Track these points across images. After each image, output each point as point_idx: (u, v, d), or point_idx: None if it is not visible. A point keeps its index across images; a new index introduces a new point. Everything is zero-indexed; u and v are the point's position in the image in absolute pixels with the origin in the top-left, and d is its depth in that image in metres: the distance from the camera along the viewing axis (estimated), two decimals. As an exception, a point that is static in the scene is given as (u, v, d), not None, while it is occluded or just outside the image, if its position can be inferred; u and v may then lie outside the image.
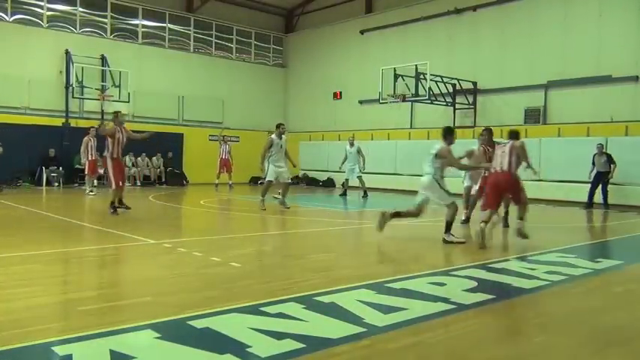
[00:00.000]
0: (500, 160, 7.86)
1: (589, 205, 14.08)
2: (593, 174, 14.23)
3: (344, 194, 16.85)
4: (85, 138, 15.68)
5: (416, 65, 17.13)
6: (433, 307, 4.32)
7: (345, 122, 22.84)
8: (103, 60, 20.37)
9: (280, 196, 12.19)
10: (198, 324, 3.71)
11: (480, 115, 18.63)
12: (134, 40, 21.69)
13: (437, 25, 19.91)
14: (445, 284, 5.15)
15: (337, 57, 23.49)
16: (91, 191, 15.44)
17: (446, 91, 18.10)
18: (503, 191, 7.96)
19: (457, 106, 18.71)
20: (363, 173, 16.58)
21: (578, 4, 16.57)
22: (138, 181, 20.43)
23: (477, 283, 5.13)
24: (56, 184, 18.32)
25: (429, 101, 17.56)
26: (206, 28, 23.71)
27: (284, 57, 26.29)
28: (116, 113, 10.67)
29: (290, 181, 12.38)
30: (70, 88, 19.42)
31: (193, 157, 22.04)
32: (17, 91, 18.63)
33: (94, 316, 4.00)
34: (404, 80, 17.37)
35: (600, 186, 14.12)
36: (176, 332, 3.60)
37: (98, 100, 19.80)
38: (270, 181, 11.81)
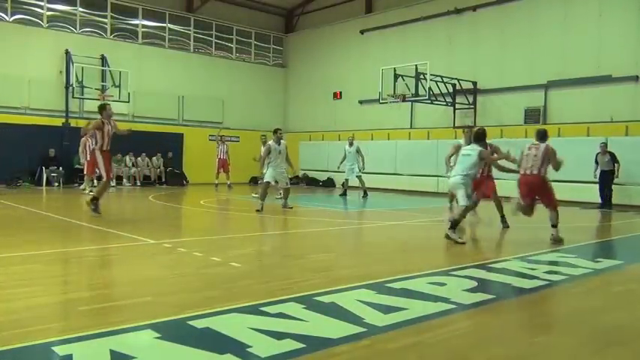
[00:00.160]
0: (532, 162, 7.91)
1: (603, 205, 14.05)
2: (597, 173, 14.20)
3: (344, 194, 16.85)
4: (83, 138, 15.69)
5: (416, 65, 17.13)
6: (433, 307, 4.32)
7: (345, 122, 22.84)
8: (103, 60, 20.37)
9: (282, 198, 12.34)
10: (199, 324, 3.71)
11: (480, 115, 18.63)
12: (134, 40, 21.70)
13: (437, 25, 19.92)
14: (445, 284, 5.15)
15: (337, 57, 23.49)
16: (90, 191, 15.41)
17: (446, 91, 18.10)
18: (534, 193, 8.03)
19: (457, 106, 18.71)
20: (362, 173, 16.59)
21: (578, 4, 16.57)
22: (138, 181, 20.43)
23: (477, 283, 5.13)
24: (56, 184, 18.32)
25: (429, 101, 17.56)
26: (206, 28, 23.71)
27: (284, 57, 26.29)
28: (104, 105, 10.35)
29: (289, 185, 12.40)
30: (70, 88, 19.42)
31: (193, 157, 22.04)
32: (17, 91, 18.64)
33: (94, 316, 4.00)
34: (404, 80, 17.37)
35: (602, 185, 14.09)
36: (176, 332, 3.60)
37: (98, 100, 19.70)
38: (268, 183, 11.77)
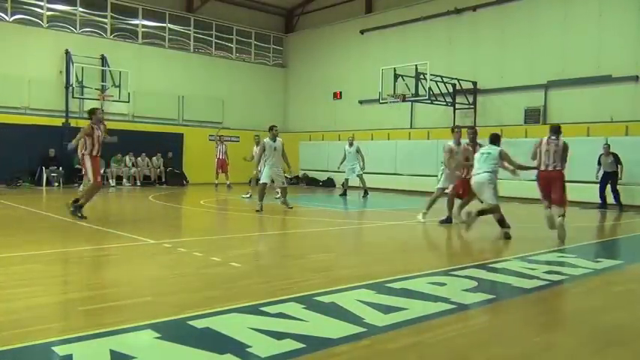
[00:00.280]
0: (553, 158, 8.27)
1: (602, 205, 14.02)
2: (600, 174, 14.16)
3: (344, 194, 16.85)
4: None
5: (416, 65, 17.13)
6: (433, 307, 4.32)
7: (345, 122, 22.84)
8: (103, 60, 20.37)
9: (281, 197, 12.33)
10: (199, 324, 3.71)
11: (480, 115, 18.63)
12: (134, 40, 21.70)
13: (437, 25, 19.91)
14: (445, 284, 5.16)
15: (337, 57, 23.49)
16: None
17: (446, 91, 18.10)
18: (551, 187, 8.27)
19: (457, 106, 18.70)
20: (363, 173, 16.61)
21: (578, 4, 16.57)
22: (138, 181, 20.44)
23: (477, 283, 5.13)
24: (56, 184, 18.32)
25: (429, 101, 17.56)
26: (206, 28, 23.71)
27: (284, 57, 26.29)
28: (94, 110, 10.01)
29: (286, 185, 12.24)
30: (70, 88, 19.42)
31: (193, 157, 22.03)
32: (17, 91, 18.64)
33: (94, 316, 4.00)
34: (404, 80, 17.37)
35: (610, 187, 14.03)
36: (176, 332, 3.60)
37: (98, 100, 19.79)
38: (265, 184, 11.70)
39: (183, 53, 22.94)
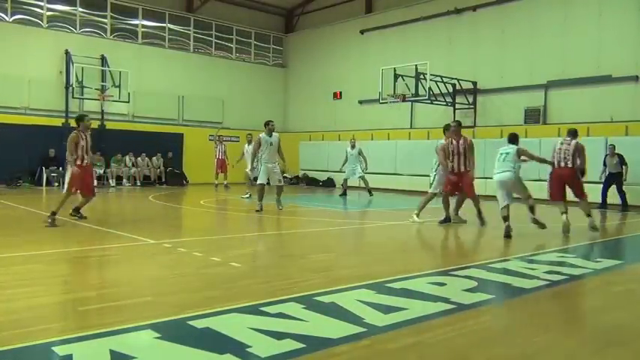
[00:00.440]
0: (564, 156, 8.98)
1: (602, 205, 14.01)
2: (604, 175, 14.15)
3: (344, 194, 16.85)
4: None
5: (416, 65, 17.12)
6: (433, 307, 4.32)
7: (345, 122, 22.85)
8: (103, 60, 20.37)
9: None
10: (198, 324, 3.71)
11: (480, 115, 18.64)
12: (134, 40, 21.69)
13: (437, 25, 19.91)
14: (445, 284, 5.16)
15: (337, 57, 23.50)
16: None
17: (446, 91, 18.10)
18: (565, 184, 9.02)
19: (457, 106, 18.70)
20: (365, 174, 16.64)
21: (578, 4, 16.57)
22: (138, 181, 20.45)
23: (477, 283, 5.13)
24: (56, 184, 18.31)
25: (429, 101, 17.56)
26: (206, 28, 23.71)
27: (284, 57, 26.29)
28: (82, 117, 9.55)
29: (282, 183, 11.81)
30: (70, 88, 19.41)
31: (193, 157, 22.03)
32: (17, 91, 18.63)
33: (94, 316, 4.01)
34: (404, 80, 17.36)
35: (615, 188, 14.00)
36: (176, 332, 3.60)
37: (98, 100, 19.81)
38: (263, 185, 11.50)
39: (183, 53, 22.94)
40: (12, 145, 17.84)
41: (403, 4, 21.01)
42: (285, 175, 21.52)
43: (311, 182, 23.23)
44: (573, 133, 9.47)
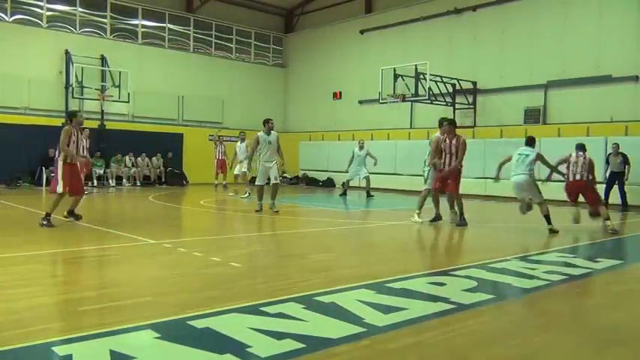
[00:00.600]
0: (580, 169, 9.72)
1: (604, 204, 13.99)
2: (607, 174, 14.15)
3: (344, 194, 16.84)
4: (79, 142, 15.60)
5: (416, 65, 17.13)
6: (433, 307, 4.32)
7: (345, 122, 22.85)
8: (103, 60, 20.38)
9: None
10: (198, 324, 3.71)
11: (480, 115, 18.64)
12: (134, 40, 21.70)
13: (437, 25, 19.92)
14: (445, 284, 5.15)
15: (337, 57, 23.50)
16: (85, 192, 15.45)
17: (446, 91, 18.10)
18: (578, 194, 9.87)
19: (457, 106, 18.71)
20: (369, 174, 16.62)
21: (578, 4, 16.58)
22: (138, 181, 20.45)
23: (476, 283, 5.13)
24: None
25: (429, 101, 17.56)
26: (206, 28, 23.72)
27: (284, 57, 26.30)
28: (75, 113, 9.40)
29: (278, 181, 11.53)
30: (70, 88, 19.43)
31: (193, 157, 22.04)
32: (17, 92, 18.64)
33: (94, 316, 4.00)
34: (404, 80, 17.37)
35: (617, 187, 14.01)
36: (176, 332, 3.60)
37: (98, 100, 19.82)
38: (262, 186, 11.41)
39: (183, 53, 22.95)
40: (12, 145, 17.85)
41: (403, 4, 21.02)
42: (285, 174, 21.62)
43: (311, 182, 23.24)
44: (583, 147, 10.05)
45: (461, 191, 10.16)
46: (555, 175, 10.13)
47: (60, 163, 8.87)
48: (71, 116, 9.21)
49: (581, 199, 10.13)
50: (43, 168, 18.37)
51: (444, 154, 9.85)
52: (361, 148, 16.73)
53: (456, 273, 5.63)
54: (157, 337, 3.46)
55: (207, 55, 23.79)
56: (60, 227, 8.48)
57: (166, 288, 4.94)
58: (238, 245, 7.73)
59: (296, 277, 5.46)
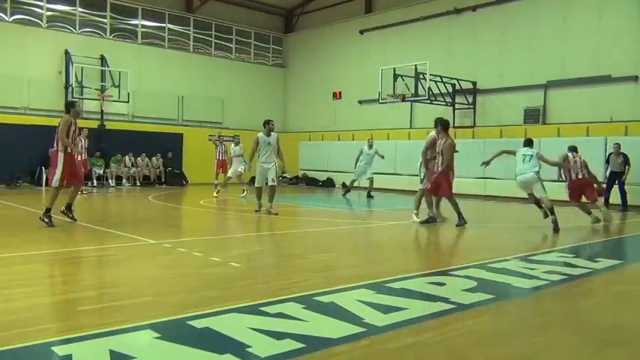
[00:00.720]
0: (580, 169, 10.19)
1: (606, 204, 13.98)
2: (607, 173, 14.15)
3: (346, 193, 16.73)
4: (77, 138, 15.62)
5: (415, 65, 17.13)
6: (433, 307, 4.32)
7: (345, 122, 22.85)
8: (103, 60, 20.38)
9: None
10: (198, 324, 3.71)
11: (480, 115, 18.64)
12: (134, 40, 21.70)
13: (436, 25, 19.92)
14: (445, 284, 5.15)
15: (337, 57, 23.50)
16: (82, 192, 15.46)
17: (445, 91, 18.10)
18: (581, 192, 10.34)
19: (457, 106, 18.71)
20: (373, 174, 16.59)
21: (578, 4, 16.57)
22: (137, 181, 20.45)
23: (476, 283, 5.13)
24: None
25: (429, 101, 17.56)
26: (205, 28, 23.72)
27: (283, 57, 26.30)
28: (74, 102, 9.33)
29: (275, 183, 11.35)
30: (70, 88, 19.41)
31: (193, 157, 22.04)
32: (17, 91, 18.64)
33: (94, 316, 4.00)
34: (403, 80, 17.37)
35: (617, 187, 14.02)
36: (176, 332, 3.60)
37: (98, 100, 19.81)
38: (260, 188, 11.33)
39: (183, 53, 22.95)
40: (11, 145, 17.84)
41: (403, 4, 21.01)
42: (285, 175, 21.60)
43: (311, 182, 23.24)
44: (575, 149, 10.53)
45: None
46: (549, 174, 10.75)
47: (61, 155, 8.70)
48: (69, 106, 9.14)
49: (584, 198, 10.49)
50: (43, 168, 18.36)
51: (435, 153, 9.94)
52: (370, 146, 16.61)
53: (455, 273, 5.62)
54: (157, 337, 3.45)
55: (207, 55, 23.79)
56: (60, 227, 8.48)
57: (166, 288, 4.94)
58: (238, 245, 7.73)
59: (296, 277, 5.46)
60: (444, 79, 17.89)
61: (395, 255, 7.18)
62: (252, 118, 23.63)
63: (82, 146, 15.21)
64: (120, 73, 19.88)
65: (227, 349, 3.24)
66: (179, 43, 23.01)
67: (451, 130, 18.15)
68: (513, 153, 10.11)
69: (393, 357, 3.32)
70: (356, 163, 16.69)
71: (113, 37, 21.18)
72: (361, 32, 22.51)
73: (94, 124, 19.59)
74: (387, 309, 4.16)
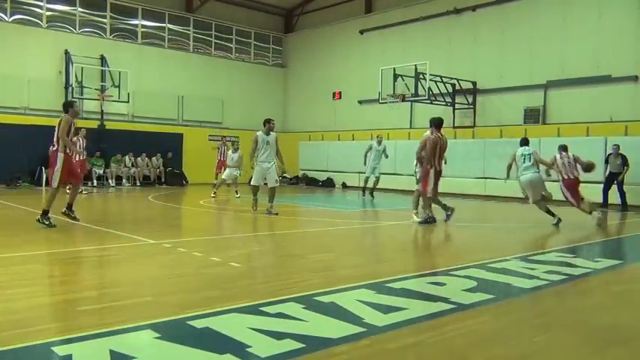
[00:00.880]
0: (569, 168, 10.35)
1: (604, 204, 14.05)
2: (606, 174, 14.17)
3: (371, 194, 16.32)
4: (74, 138, 15.60)
5: (415, 65, 17.14)
6: (433, 307, 4.32)
7: (345, 122, 22.85)
8: (103, 60, 20.38)
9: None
10: (198, 324, 3.71)
11: (480, 115, 18.64)
12: (134, 40, 21.70)
13: (436, 25, 19.92)
14: (445, 284, 5.15)
15: (337, 57, 23.50)
16: (82, 191, 15.46)
17: (445, 91, 18.10)
18: (572, 190, 10.40)
19: (457, 106, 18.71)
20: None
21: (578, 4, 16.57)
22: (137, 181, 20.45)
23: (476, 283, 5.13)
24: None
25: (429, 101, 17.57)
26: (205, 28, 23.72)
27: (283, 57, 26.30)
28: (72, 102, 9.31)
29: (277, 184, 11.28)
30: (70, 88, 19.42)
31: (193, 157, 22.05)
32: (17, 92, 18.64)
33: (94, 316, 4.00)
34: (403, 80, 17.37)
35: (616, 187, 14.02)
36: (176, 332, 3.60)
37: (98, 100, 19.81)
38: (257, 186, 11.18)
39: (183, 53, 22.95)
40: (11, 145, 17.84)
41: (403, 4, 21.02)
42: (285, 175, 21.59)
43: (310, 182, 23.24)
44: (565, 148, 10.67)
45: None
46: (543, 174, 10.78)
47: (60, 155, 8.67)
48: (68, 106, 9.09)
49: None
50: (43, 168, 18.35)
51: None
52: (379, 143, 16.52)
53: (455, 273, 5.62)
54: (157, 337, 3.45)
55: (207, 55, 23.80)
56: (60, 227, 8.47)
57: (166, 288, 4.94)
58: (238, 245, 7.73)
59: (296, 277, 5.46)
60: (444, 79, 17.89)
61: (395, 255, 7.18)
62: (252, 118, 23.61)
63: (80, 146, 15.20)
64: (120, 73, 19.89)
65: (227, 349, 3.24)
66: (179, 43, 23.02)
67: (451, 131, 18.37)
68: (513, 158, 10.56)
69: (393, 357, 3.32)
70: (365, 159, 16.48)
71: (113, 37, 21.18)
72: (361, 32, 22.51)
73: (94, 124, 19.60)
74: (387, 309, 4.17)
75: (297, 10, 26.14)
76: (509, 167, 10.69)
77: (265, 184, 11.25)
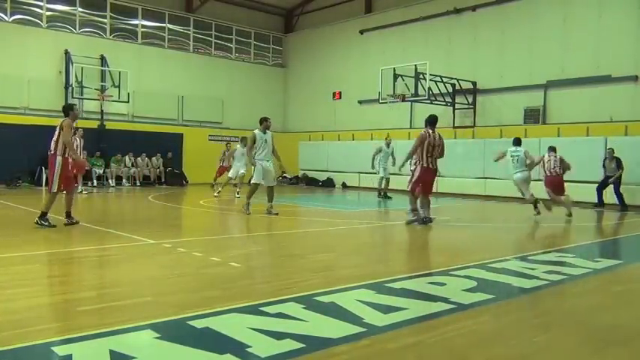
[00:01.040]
0: (553, 165, 11.50)
1: (600, 204, 14.08)
2: (602, 178, 14.24)
3: (385, 196, 16.15)
4: (72, 138, 15.57)
5: (415, 65, 17.14)
6: (433, 307, 4.32)
7: (345, 122, 22.85)
8: (103, 60, 20.38)
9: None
10: (198, 324, 3.71)
11: (480, 115, 18.64)
12: (134, 40, 21.70)
13: (436, 25, 19.92)
14: (445, 284, 5.15)
15: (337, 57, 23.50)
16: (82, 191, 15.49)
17: (445, 91, 18.10)
18: (556, 187, 11.52)
19: (457, 106, 18.72)
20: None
21: (578, 4, 16.57)
22: (137, 181, 20.45)
23: (476, 283, 5.13)
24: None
25: (429, 101, 17.56)
26: (205, 28, 23.72)
27: (283, 57, 26.30)
28: (72, 106, 9.36)
29: (275, 183, 11.25)
30: (70, 88, 19.42)
31: (193, 157, 22.04)
32: (17, 92, 18.64)
33: (94, 316, 4.00)
34: (403, 80, 17.37)
35: (612, 187, 14.02)
36: (176, 332, 3.60)
37: (98, 100, 19.81)
38: (257, 184, 11.00)
39: (183, 53, 22.95)
40: (11, 145, 17.84)
41: (403, 4, 21.02)
42: (285, 174, 21.58)
43: (310, 182, 23.24)
44: (554, 149, 11.81)
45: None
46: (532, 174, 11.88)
47: (59, 158, 8.69)
48: (68, 109, 9.14)
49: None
50: (43, 168, 18.36)
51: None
52: (388, 144, 16.45)
53: (455, 273, 5.62)
54: (157, 337, 3.46)
55: (207, 55, 23.79)
56: (60, 227, 8.48)
57: (166, 288, 4.94)
58: (238, 245, 7.73)
59: (296, 277, 5.46)
60: (444, 79, 17.89)
61: (395, 255, 7.19)
62: (252, 118, 23.43)
63: (76, 145, 15.17)
64: (120, 73, 19.88)
65: (227, 349, 3.24)
66: (179, 43, 23.01)
67: (451, 131, 18.38)
68: (504, 154, 11.78)
69: (393, 357, 3.32)
70: (373, 161, 16.21)
71: (113, 37, 21.18)
72: (361, 32, 22.51)
73: (94, 124, 19.61)
74: (387, 309, 4.17)
75: (297, 10, 26.14)
76: (500, 157, 11.96)
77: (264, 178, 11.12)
